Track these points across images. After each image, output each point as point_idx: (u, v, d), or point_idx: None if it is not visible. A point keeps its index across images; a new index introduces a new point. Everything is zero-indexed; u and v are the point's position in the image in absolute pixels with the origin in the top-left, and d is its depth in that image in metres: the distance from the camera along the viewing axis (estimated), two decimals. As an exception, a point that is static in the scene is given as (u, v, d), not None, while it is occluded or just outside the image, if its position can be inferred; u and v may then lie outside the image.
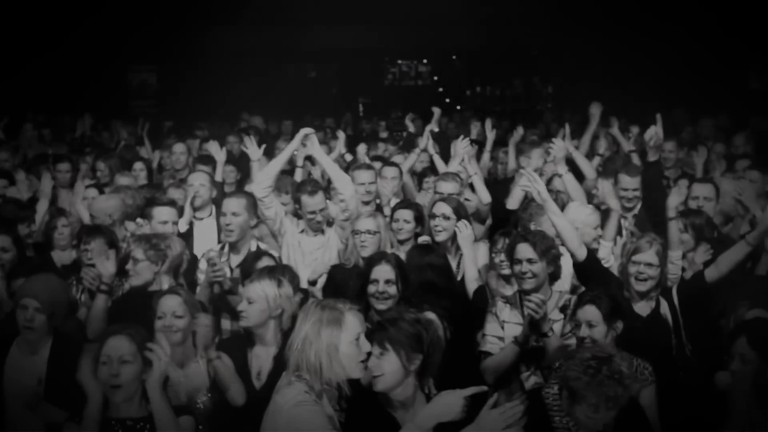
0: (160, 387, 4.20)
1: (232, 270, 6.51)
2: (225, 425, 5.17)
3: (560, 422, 4.52)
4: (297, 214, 7.27)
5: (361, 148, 9.63)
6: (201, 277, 6.57)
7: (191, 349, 5.20)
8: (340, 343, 3.89)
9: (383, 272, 5.44)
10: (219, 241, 7.18)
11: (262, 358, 5.24)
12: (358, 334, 3.95)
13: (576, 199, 7.21)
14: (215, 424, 5.13)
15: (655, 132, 6.79)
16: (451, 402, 3.72)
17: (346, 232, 6.88)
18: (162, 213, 6.91)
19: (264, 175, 7.12)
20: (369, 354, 4.01)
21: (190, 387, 5.10)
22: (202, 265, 6.62)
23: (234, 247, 6.68)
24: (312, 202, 6.97)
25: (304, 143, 7.14)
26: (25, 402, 4.86)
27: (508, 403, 3.69)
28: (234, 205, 6.62)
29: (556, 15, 17.70)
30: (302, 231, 7.10)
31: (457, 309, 5.81)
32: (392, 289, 5.42)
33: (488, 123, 9.95)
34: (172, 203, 7.18)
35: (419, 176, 8.89)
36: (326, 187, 7.59)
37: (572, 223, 6.29)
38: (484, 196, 7.52)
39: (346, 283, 6.10)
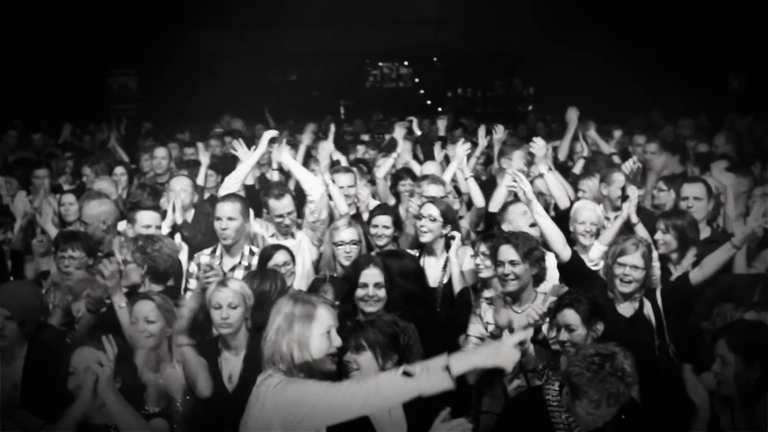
0: (112, 390, 4.13)
1: (225, 273, 6.49)
2: (201, 429, 5.16)
3: (560, 418, 4.51)
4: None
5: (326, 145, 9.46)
6: (192, 282, 6.58)
7: (167, 353, 5.18)
8: (311, 336, 3.87)
9: (372, 276, 5.45)
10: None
11: (232, 361, 5.29)
12: (329, 327, 3.93)
13: (558, 199, 7.20)
14: (191, 428, 5.11)
15: (634, 163, 6.76)
16: (494, 350, 3.60)
17: (317, 234, 6.87)
18: (145, 217, 6.90)
19: (232, 180, 7.24)
20: (339, 349, 3.99)
21: (166, 391, 5.07)
22: (193, 268, 6.65)
23: (228, 251, 6.67)
24: (279, 205, 6.97)
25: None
26: (0, 409, 4.80)
27: (456, 420, 3.72)
28: (229, 209, 6.61)
29: (537, 17, 17.73)
30: (272, 235, 7.08)
31: (431, 315, 5.84)
32: (381, 292, 5.44)
33: (482, 130, 9.81)
34: (155, 207, 7.18)
35: (394, 178, 8.81)
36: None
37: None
38: (479, 199, 7.51)
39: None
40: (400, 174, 8.75)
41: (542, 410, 4.56)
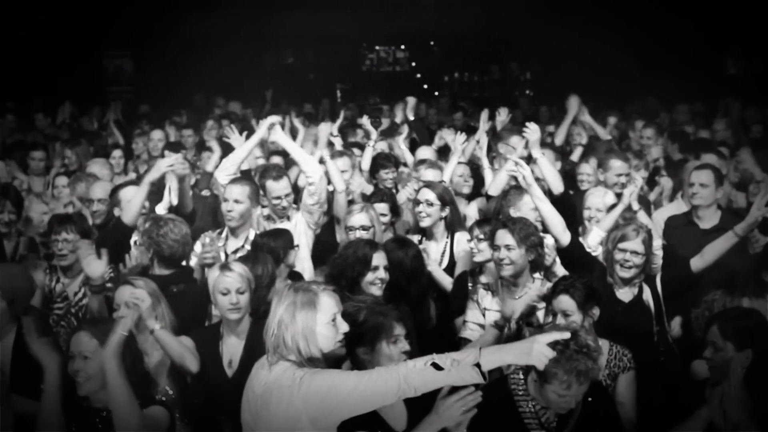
0: (116, 356, 4.08)
1: (227, 255, 6.50)
2: (199, 414, 5.18)
3: (527, 407, 4.49)
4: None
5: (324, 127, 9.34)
6: (193, 259, 6.54)
7: (151, 338, 5.15)
8: (317, 325, 3.83)
9: (383, 259, 5.45)
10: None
11: (233, 346, 5.23)
12: (334, 315, 3.89)
13: (552, 184, 7.17)
14: (189, 414, 5.11)
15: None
16: (527, 348, 3.59)
17: (314, 217, 6.85)
18: (128, 193, 6.88)
19: (229, 162, 7.17)
20: (346, 334, 3.94)
21: (152, 375, 5.05)
22: (197, 248, 6.59)
23: (233, 232, 6.66)
24: (277, 187, 6.94)
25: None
26: None
27: (463, 390, 3.72)
28: (237, 192, 6.57)
29: (534, 2, 17.69)
30: (268, 218, 7.07)
31: (425, 300, 5.87)
32: (387, 275, 5.43)
33: (484, 114, 9.76)
34: (133, 182, 7.16)
35: (375, 165, 8.72)
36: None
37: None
38: (493, 189, 7.49)
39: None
40: (381, 162, 8.67)
41: (508, 400, 4.53)
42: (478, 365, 3.51)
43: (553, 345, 4.13)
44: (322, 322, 3.85)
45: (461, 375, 3.52)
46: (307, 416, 3.63)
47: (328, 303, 3.89)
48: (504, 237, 5.57)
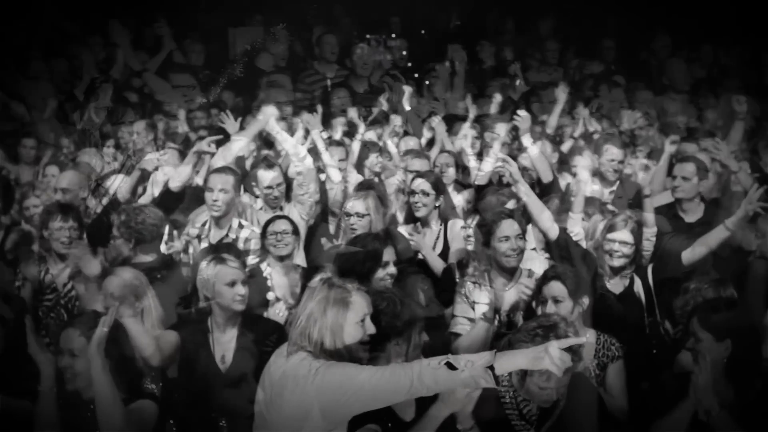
0: (100, 352, 4.09)
1: (211, 245, 6.48)
2: (190, 413, 5.14)
3: (508, 398, 4.45)
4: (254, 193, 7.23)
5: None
6: (163, 246, 6.55)
7: None
8: (346, 323, 3.84)
9: (392, 254, 5.44)
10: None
11: (225, 341, 5.21)
12: (364, 315, 3.89)
13: (541, 172, 7.16)
14: (178, 413, 5.09)
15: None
16: (541, 353, 3.54)
17: (305, 207, 6.85)
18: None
19: (228, 151, 7.20)
20: (371, 336, 3.94)
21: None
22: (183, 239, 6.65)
23: (216, 223, 6.65)
24: (269, 176, 6.96)
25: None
26: None
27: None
28: (222, 181, 6.57)
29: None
30: (261, 208, 7.06)
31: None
32: (395, 270, 5.42)
33: (496, 100, 9.73)
34: (117, 171, 7.24)
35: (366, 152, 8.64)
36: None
37: None
38: (480, 179, 7.49)
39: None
40: (370, 148, 8.52)
41: (491, 391, 4.53)
42: (491, 368, 3.48)
43: (532, 336, 4.16)
44: (352, 321, 3.86)
45: (474, 376, 3.49)
46: (318, 407, 3.65)
47: (360, 303, 3.91)
48: (513, 227, 5.60)
